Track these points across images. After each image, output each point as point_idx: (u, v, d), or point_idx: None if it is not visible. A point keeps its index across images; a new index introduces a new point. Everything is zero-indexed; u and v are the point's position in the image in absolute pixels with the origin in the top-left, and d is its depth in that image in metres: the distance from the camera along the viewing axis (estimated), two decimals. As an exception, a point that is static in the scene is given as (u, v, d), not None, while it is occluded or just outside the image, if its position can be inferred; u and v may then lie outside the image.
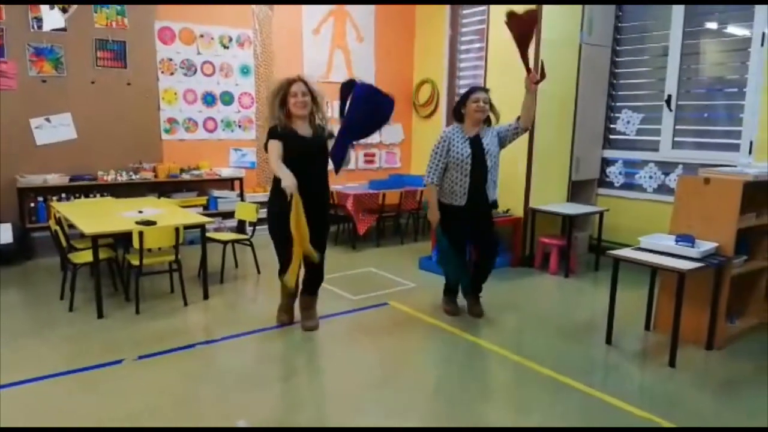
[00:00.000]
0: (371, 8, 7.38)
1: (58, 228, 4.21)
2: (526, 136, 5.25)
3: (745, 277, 3.84)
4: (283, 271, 3.68)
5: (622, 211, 5.74)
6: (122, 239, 4.29)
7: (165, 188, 6.15)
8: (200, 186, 6.44)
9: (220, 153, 6.64)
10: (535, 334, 3.95)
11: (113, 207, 4.87)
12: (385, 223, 6.62)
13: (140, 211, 4.52)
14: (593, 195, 6.07)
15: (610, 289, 3.65)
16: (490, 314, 4.22)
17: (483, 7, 6.58)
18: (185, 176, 6.20)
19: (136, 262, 4.04)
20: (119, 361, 3.30)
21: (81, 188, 5.69)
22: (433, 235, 5.60)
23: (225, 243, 5.02)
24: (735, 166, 4.07)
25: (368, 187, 6.51)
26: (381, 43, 7.52)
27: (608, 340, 3.70)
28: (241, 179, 6.56)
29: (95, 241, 3.94)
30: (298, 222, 3.36)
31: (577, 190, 5.91)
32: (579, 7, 5.50)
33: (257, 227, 5.12)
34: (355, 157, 7.42)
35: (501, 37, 5.58)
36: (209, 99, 6.52)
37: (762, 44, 4.72)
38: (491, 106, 3.98)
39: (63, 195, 5.59)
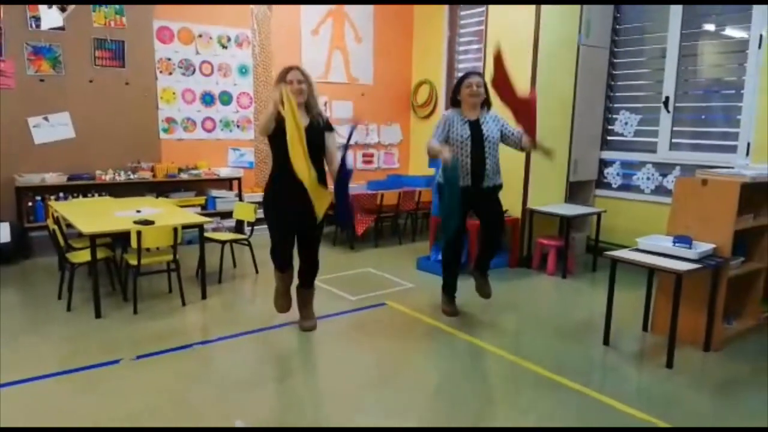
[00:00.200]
0: (370, 9, 7.39)
1: (56, 227, 4.20)
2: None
3: (742, 279, 3.85)
4: (272, 250, 3.76)
5: (620, 212, 5.75)
6: (120, 239, 4.30)
7: (163, 188, 6.14)
8: (198, 186, 6.44)
9: (218, 153, 6.64)
10: (533, 335, 3.96)
11: (111, 206, 4.86)
12: (383, 223, 6.62)
13: (138, 211, 4.52)
14: (591, 196, 6.09)
15: (608, 290, 3.66)
16: (488, 315, 4.23)
17: (481, 8, 6.58)
18: (183, 176, 6.20)
19: (134, 261, 4.03)
20: (117, 361, 3.30)
21: (79, 187, 5.69)
22: (432, 236, 5.63)
23: (223, 243, 5.02)
24: (732, 168, 4.09)
25: (366, 188, 6.51)
26: (379, 44, 7.53)
27: (606, 341, 3.71)
28: (239, 179, 6.56)
29: (93, 240, 3.94)
30: (292, 113, 3.29)
31: (574, 191, 5.93)
32: (577, 8, 5.51)
33: (255, 227, 5.13)
34: (354, 157, 7.43)
35: (499, 38, 5.62)
36: (208, 99, 6.52)
37: (759, 46, 4.74)
38: (486, 90, 3.96)
39: (61, 194, 5.59)
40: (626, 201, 5.81)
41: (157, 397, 2.93)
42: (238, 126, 6.74)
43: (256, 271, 5.14)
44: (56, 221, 4.26)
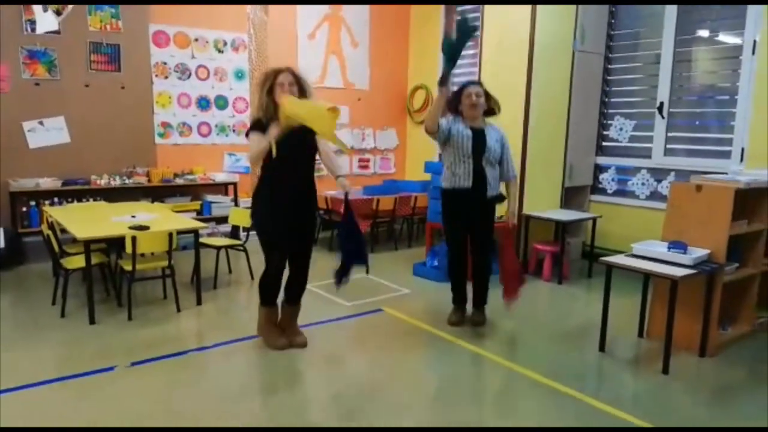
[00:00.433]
0: (366, 14, 7.41)
1: (50, 232, 4.18)
2: (519, 142, 5.34)
3: (737, 284, 3.87)
4: (266, 276, 3.57)
5: (615, 217, 5.77)
6: (115, 244, 4.27)
7: (158, 193, 6.12)
8: (194, 191, 6.42)
9: (214, 158, 6.62)
10: (529, 341, 3.95)
11: (106, 211, 4.84)
12: (379, 228, 6.62)
13: (133, 216, 4.50)
14: (586, 201, 6.10)
15: (603, 296, 3.66)
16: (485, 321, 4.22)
17: (477, 14, 6.60)
18: (179, 181, 6.18)
19: (128, 267, 4.01)
20: (111, 368, 3.28)
21: (74, 192, 5.67)
22: (428, 242, 5.63)
23: (219, 248, 5.00)
24: (726, 174, 4.10)
25: (362, 193, 6.51)
26: (376, 49, 7.54)
27: (601, 347, 3.71)
28: (235, 184, 6.54)
29: (87, 246, 3.92)
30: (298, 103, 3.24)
31: (570, 197, 5.94)
32: (572, 14, 5.54)
33: (251, 233, 5.10)
34: (350, 162, 7.43)
35: (494, 44, 5.65)
36: (203, 103, 6.51)
37: (753, 52, 4.77)
38: (488, 96, 3.91)
39: (56, 199, 5.57)
40: (621, 206, 5.83)
41: (152, 404, 2.91)
42: (234, 131, 6.73)
43: (252, 277, 5.12)
44: (50, 226, 4.24)
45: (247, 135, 3.53)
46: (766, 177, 3.86)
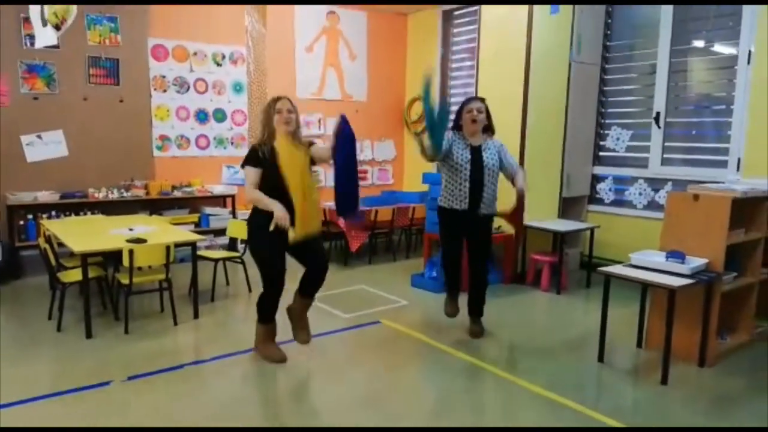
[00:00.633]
0: (363, 27, 7.46)
1: (47, 246, 4.17)
2: (517, 152, 5.34)
3: (735, 294, 3.86)
4: (265, 297, 3.53)
5: (613, 227, 5.76)
6: (112, 257, 4.26)
7: (156, 205, 6.13)
8: (192, 203, 6.42)
9: (212, 170, 6.64)
10: (527, 352, 3.93)
11: (104, 225, 4.84)
12: (377, 239, 6.61)
13: (131, 229, 4.49)
14: (584, 211, 6.10)
15: (602, 306, 3.65)
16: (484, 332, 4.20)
17: (474, 26, 6.65)
18: (177, 193, 6.19)
19: (125, 280, 4.00)
20: (108, 383, 3.26)
21: (71, 206, 5.67)
22: (426, 253, 5.62)
23: (216, 261, 5.00)
24: (723, 183, 4.11)
25: (361, 204, 6.50)
26: (373, 61, 7.58)
27: (600, 358, 3.69)
28: (233, 196, 6.55)
29: (84, 259, 3.91)
30: (292, 159, 3.26)
31: (567, 207, 5.94)
32: (568, 25, 5.57)
33: (249, 245, 5.10)
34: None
35: (491, 54, 5.68)
36: (202, 116, 6.54)
37: (748, 62, 4.79)
38: (488, 115, 3.96)
39: (53, 212, 5.56)
40: (619, 216, 5.83)
41: (150, 419, 2.89)
42: (232, 143, 6.75)
43: (250, 290, 5.11)
44: (47, 240, 4.23)
45: (242, 166, 3.54)
46: (763, 186, 3.87)
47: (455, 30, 7.24)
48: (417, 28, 7.63)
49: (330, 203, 6.28)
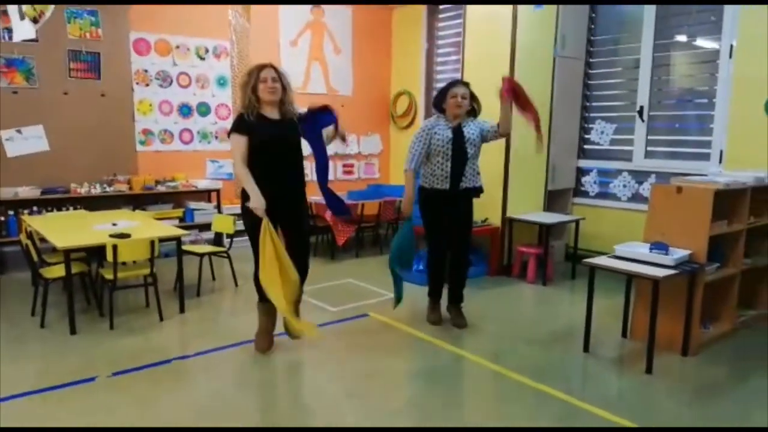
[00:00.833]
0: (348, 21, 7.42)
1: (29, 242, 4.11)
2: (503, 146, 5.36)
3: (718, 284, 3.92)
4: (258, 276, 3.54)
5: (598, 219, 5.82)
6: (96, 253, 4.21)
7: (140, 200, 6.05)
8: (176, 198, 6.36)
9: (196, 165, 6.57)
10: (514, 343, 3.96)
11: (87, 220, 4.78)
12: (364, 233, 6.61)
13: (114, 224, 4.44)
14: (569, 204, 6.15)
15: (587, 298, 3.69)
16: (470, 323, 4.22)
17: (459, 21, 6.65)
18: (161, 188, 6.12)
19: (110, 276, 3.96)
20: (93, 379, 3.23)
21: (53, 201, 5.58)
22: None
23: (202, 255, 4.96)
24: (706, 175, 4.16)
25: (347, 198, 6.49)
26: (358, 56, 7.55)
27: (585, 348, 3.73)
28: (218, 191, 6.50)
29: (67, 255, 3.86)
30: (274, 252, 3.25)
31: (553, 200, 5.99)
32: (552, 21, 5.59)
33: (234, 239, 5.08)
34: (334, 168, 7.41)
35: (476, 50, 5.69)
36: (185, 110, 6.47)
37: (730, 56, 4.85)
38: (473, 98, 4.01)
39: (35, 208, 5.47)
40: (603, 208, 5.88)
41: (135, 414, 2.86)
42: (216, 138, 6.69)
43: (236, 284, 5.08)
44: (29, 236, 4.17)
45: (229, 135, 3.50)
46: (745, 178, 3.93)
47: (440, 24, 7.23)
48: (402, 22, 7.61)
49: (316, 197, 6.28)
